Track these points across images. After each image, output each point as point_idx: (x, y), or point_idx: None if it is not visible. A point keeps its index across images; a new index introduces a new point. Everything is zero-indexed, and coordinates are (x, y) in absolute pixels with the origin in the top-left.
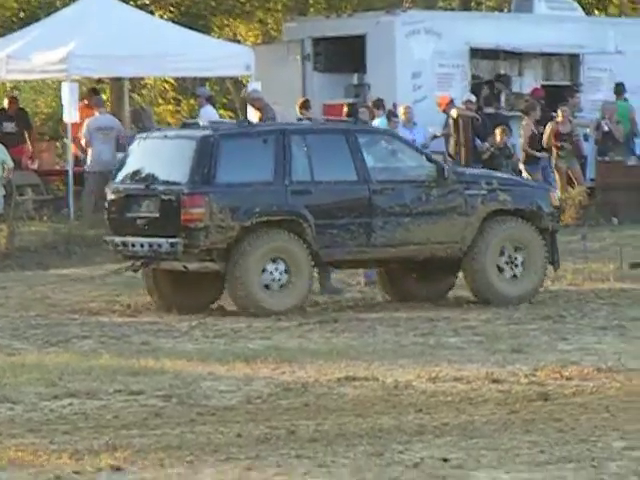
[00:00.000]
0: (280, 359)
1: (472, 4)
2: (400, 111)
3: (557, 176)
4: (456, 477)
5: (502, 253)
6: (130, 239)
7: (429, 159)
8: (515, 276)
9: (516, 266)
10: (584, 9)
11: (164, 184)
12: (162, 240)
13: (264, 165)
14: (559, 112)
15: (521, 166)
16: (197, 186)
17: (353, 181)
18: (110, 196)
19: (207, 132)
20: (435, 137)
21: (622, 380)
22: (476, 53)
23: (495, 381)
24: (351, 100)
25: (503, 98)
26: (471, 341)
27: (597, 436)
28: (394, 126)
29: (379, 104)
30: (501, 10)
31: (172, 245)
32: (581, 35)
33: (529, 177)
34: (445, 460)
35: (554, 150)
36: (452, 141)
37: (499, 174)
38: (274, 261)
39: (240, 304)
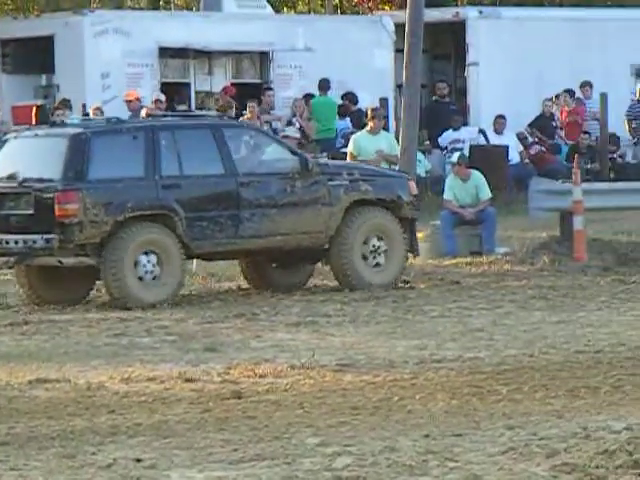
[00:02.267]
0: None
1: (161, 3)
2: (90, 112)
3: None
4: (149, 477)
5: (365, 242)
6: (3, 236)
7: (293, 152)
8: (378, 264)
9: (379, 254)
10: (273, 7)
11: (38, 181)
12: (37, 236)
13: (135, 161)
14: (248, 109)
15: None
16: (70, 182)
17: (220, 174)
18: None
19: (78, 130)
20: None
21: (316, 376)
22: (165, 52)
23: (188, 380)
24: (40, 101)
25: (193, 97)
26: (164, 341)
27: (291, 433)
28: None
29: (66, 104)
30: (190, 9)
31: (47, 241)
32: (270, 33)
33: None
34: (138, 460)
35: None
36: None
37: (362, 165)
38: (146, 254)
39: (115, 297)
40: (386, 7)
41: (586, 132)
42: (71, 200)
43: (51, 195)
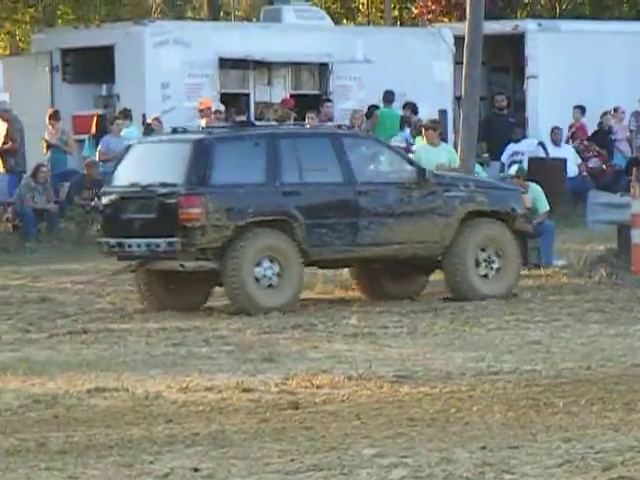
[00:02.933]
0: (30, 371)
1: (221, 14)
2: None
3: None
4: None
5: (480, 253)
6: (126, 240)
7: (410, 162)
8: (491, 276)
9: (492, 266)
10: (333, 18)
11: (161, 186)
12: (160, 240)
13: (256, 167)
14: (307, 120)
15: None
16: (194, 187)
17: (339, 183)
18: (105, 199)
19: (202, 135)
20: None
21: (373, 387)
22: (225, 63)
23: (246, 390)
24: (100, 111)
25: (252, 107)
26: (222, 351)
27: (347, 444)
28: None
29: (127, 114)
30: (250, 20)
31: (170, 244)
32: (330, 44)
33: None
34: (196, 470)
35: None
36: None
37: (477, 178)
38: (266, 259)
39: (235, 300)
40: (445, 19)
41: None
42: (194, 204)
43: (175, 199)
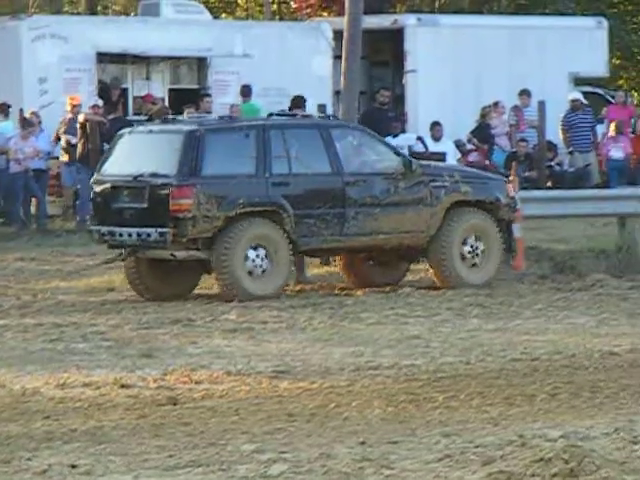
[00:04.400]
0: None
1: (98, 8)
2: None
3: None
4: None
5: (464, 242)
6: (117, 229)
7: (396, 153)
8: (476, 264)
9: (477, 255)
10: (211, 13)
11: (152, 176)
12: (151, 229)
13: (246, 158)
14: (186, 114)
15: None
16: (185, 178)
17: (327, 173)
18: (95, 187)
19: (193, 127)
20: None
21: (251, 383)
22: (103, 57)
23: (124, 386)
24: None
25: (131, 102)
26: (100, 346)
27: (226, 439)
28: (28, 135)
29: (4, 109)
30: (128, 14)
31: (161, 234)
32: (208, 38)
33: None
34: (73, 466)
35: None
36: (80, 145)
37: (461, 167)
38: (256, 249)
39: (226, 289)
40: (324, 13)
41: (524, 140)
42: (186, 195)
43: (166, 190)
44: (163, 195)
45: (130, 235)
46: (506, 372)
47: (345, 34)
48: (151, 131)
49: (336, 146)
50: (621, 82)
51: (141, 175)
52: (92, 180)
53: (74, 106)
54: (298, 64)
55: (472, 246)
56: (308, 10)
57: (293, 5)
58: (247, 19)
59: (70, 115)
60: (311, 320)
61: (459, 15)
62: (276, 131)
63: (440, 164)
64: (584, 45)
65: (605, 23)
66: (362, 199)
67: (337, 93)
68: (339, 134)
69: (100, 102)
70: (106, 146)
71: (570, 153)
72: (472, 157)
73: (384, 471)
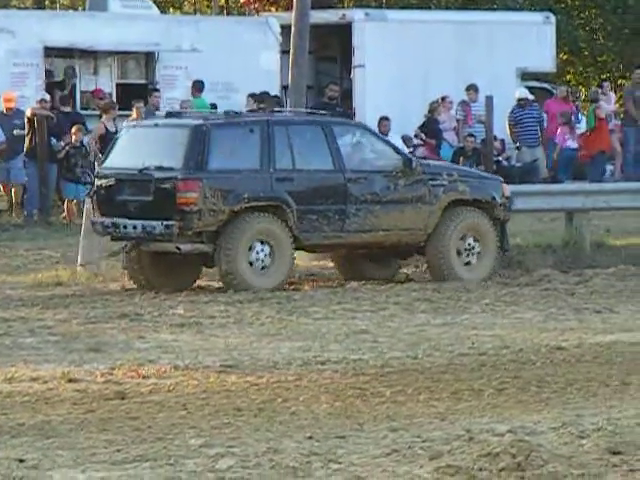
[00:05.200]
0: None
1: (46, 3)
2: None
3: None
4: (32, 478)
5: (461, 240)
6: (121, 221)
7: (397, 151)
8: (471, 262)
9: (472, 253)
10: (159, 7)
11: (158, 169)
12: (156, 222)
13: (251, 153)
14: (135, 109)
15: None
16: (191, 172)
17: (330, 170)
18: (99, 180)
19: (200, 121)
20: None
21: (199, 377)
22: (51, 52)
23: (72, 380)
24: None
25: (79, 97)
26: (47, 341)
27: (174, 434)
28: None
29: None
30: (76, 9)
31: (167, 227)
32: (156, 33)
33: None
34: (21, 461)
35: None
36: (27, 140)
37: (460, 167)
38: (260, 243)
39: (229, 282)
40: (272, 8)
41: (471, 135)
42: (192, 189)
43: (172, 183)
44: (169, 188)
45: (135, 227)
46: (454, 367)
47: (293, 29)
48: (157, 125)
49: (338, 143)
50: (569, 77)
51: (147, 168)
52: (95, 173)
53: (8, 109)
54: (246, 59)
55: (469, 244)
56: (256, 5)
57: (241, 0)
58: (195, 14)
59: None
60: (259, 315)
61: (407, 10)
62: (280, 127)
63: (439, 163)
64: (532, 40)
65: (553, 18)
66: (363, 196)
67: (285, 88)
68: (341, 131)
69: (47, 97)
70: (54, 140)
71: (517, 148)
72: (420, 152)
73: (331, 465)
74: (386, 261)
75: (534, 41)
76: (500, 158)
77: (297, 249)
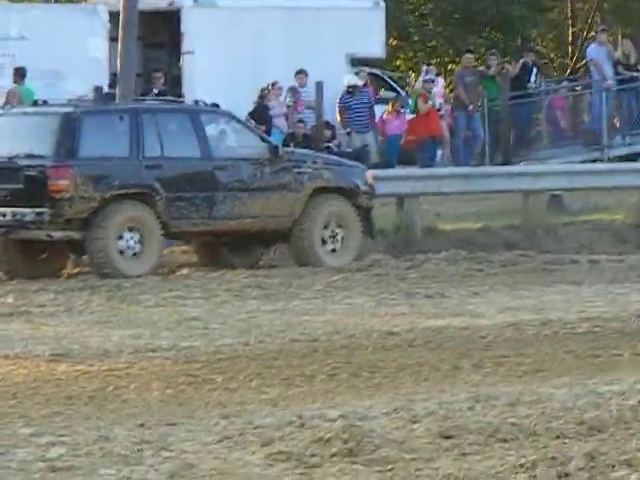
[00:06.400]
0: None
1: None
2: None
3: None
4: None
5: (325, 227)
6: None
7: (263, 139)
8: (336, 249)
9: (337, 240)
10: None
11: (28, 157)
12: (27, 210)
13: (121, 141)
14: None
15: None
16: (62, 159)
17: (198, 158)
18: None
19: (69, 109)
20: None
21: (29, 366)
22: None
23: None
24: None
25: None
26: None
27: (4, 423)
28: None
29: None
30: None
31: (38, 214)
32: None
33: None
34: None
35: None
36: None
37: (324, 155)
38: (129, 230)
39: (99, 269)
40: None
41: (301, 121)
42: (63, 176)
43: (43, 171)
44: (40, 176)
45: (4, 215)
46: (285, 353)
47: (121, 16)
48: (25, 113)
49: (206, 131)
50: (398, 62)
51: (16, 156)
52: None
53: None
54: (74, 46)
55: (332, 231)
56: None
57: None
58: (23, 1)
59: None
60: (89, 303)
61: None
62: (149, 115)
63: (304, 151)
64: (361, 26)
65: (382, 4)
66: (230, 184)
67: (114, 75)
68: (209, 119)
69: None
70: None
71: (348, 134)
72: None
73: (163, 453)
74: (248, 249)
75: (363, 27)
76: (331, 144)
77: (165, 236)
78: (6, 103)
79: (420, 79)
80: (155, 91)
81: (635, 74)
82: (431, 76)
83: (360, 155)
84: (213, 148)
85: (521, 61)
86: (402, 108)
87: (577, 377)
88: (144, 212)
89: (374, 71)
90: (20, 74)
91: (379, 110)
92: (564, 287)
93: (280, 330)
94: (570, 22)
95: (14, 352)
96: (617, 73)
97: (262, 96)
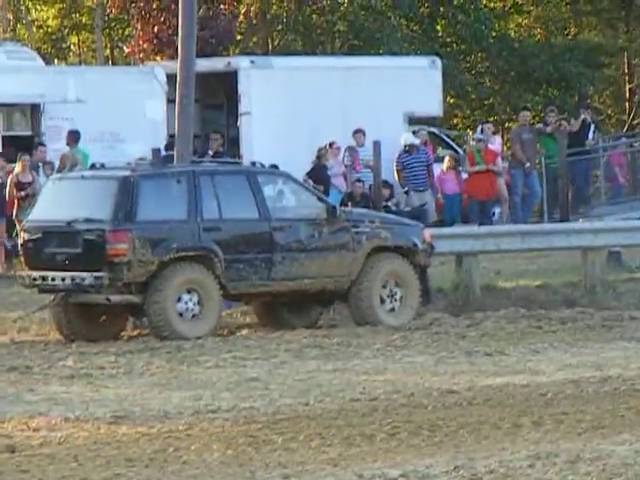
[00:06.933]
0: None
1: None
2: None
3: (18, 226)
4: None
5: (384, 286)
6: (50, 273)
7: (320, 199)
8: (395, 308)
9: (395, 299)
10: (44, 59)
11: (86, 221)
12: (86, 274)
13: (179, 203)
14: (20, 162)
15: None
16: (121, 223)
17: (255, 219)
18: (25, 233)
19: (127, 173)
20: None
21: (90, 429)
22: None
23: None
24: None
25: None
26: None
27: None
28: None
29: None
30: None
31: (97, 278)
32: (41, 84)
33: None
34: None
35: (15, 202)
36: None
37: (382, 214)
38: (188, 292)
39: (158, 332)
40: (157, 57)
41: (360, 180)
42: (122, 240)
43: (101, 235)
44: (98, 240)
45: (63, 279)
46: (345, 412)
47: (178, 77)
48: (83, 177)
49: (263, 192)
50: (456, 121)
51: (75, 220)
52: (21, 226)
53: None
54: (132, 108)
55: (391, 290)
56: (141, 54)
57: (126, 50)
58: (80, 64)
59: None
60: (149, 365)
61: (292, 57)
62: (206, 177)
63: (362, 210)
64: (418, 85)
65: (439, 62)
66: (288, 244)
67: (171, 137)
68: (265, 180)
69: None
70: None
71: (406, 193)
72: None
73: None
74: (307, 309)
75: (421, 85)
76: (389, 203)
77: (224, 297)
78: (60, 167)
79: (474, 137)
80: (210, 153)
81: None
82: (483, 136)
83: (418, 213)
84: (271, 209)
85: (580, 118)
86: (459, 166)
87: (637, 434)
88: (203, 274)
89: (432, 129)
90: (73, 138)
91: (437, 169)
92: (624, 344)
93: (340, 389)
94: (627, 78)
95: (75, 415)
96: None
97: (320, 156)
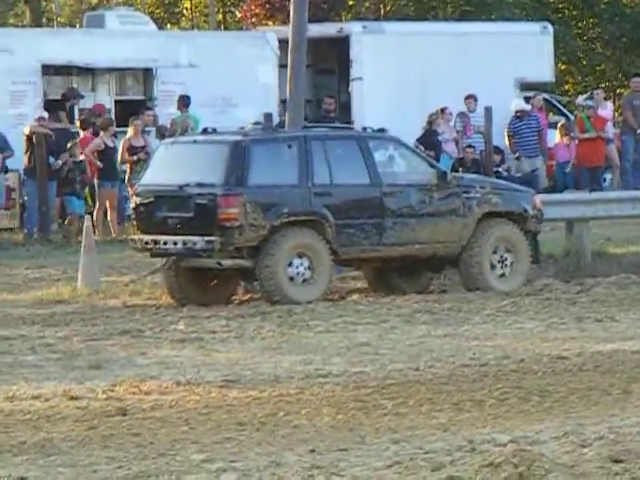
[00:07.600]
0: None
1: (43, 21)
2: None
3: (131, 190)
4: None
5: (494, 252)
6: (162, 237)
7: (431, 165)
8: (505, 274)
9: (506, 265)
10: (157, 23)
11: (198, 186)
12: (197, 238)
13: (289, 168)
14: (133, 126)
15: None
16: (232, 187)
17: (366, 184)
18: (138, 197)
19: (239, 137)
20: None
21: (201, 393)
22: (48, 70)
23: (73, 398)
24: None
25: (77, 114)
26: (49, 359)
27: (176, 449)
28: None
29: None
30: (73, 26)
31: (208, 242)
32: (154, 49)
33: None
34: (22, 479)
35: (128, 165)
36: (26, 158)
37: (493, 179)
38: (299, 257)
39: (269, 296)
40: (269, 22)
41: (471, 146)
42: (233, 205)
43: (213, 199)
44: (210, 204)
45: (175, 244)
46: (455, 378)
47: (290, 43)
48: (195, 141)
49: (374, 157)
50: (567, 87)
51: (187, 185)
52: (134, 190)
53: None
54: (244, 73)
55: (502, 256)
56: (253, 19)
57: (238, 14)
58: (192, 29)
59: None
60: (260, 329)
61: (404, 22)
62: (317, 142)
63: (472, 176)
64: (530, 50)
65: (550, 28)
66: (399, 210)
67: (283, 102)
68: (376, 145)
69: (46, 114)
70: (52, 159)
71: (517, 159)
72: None
73: (334, 478)
74: (418, 275)
75: (532, 51)
76: (500, 169)
77: (335, 262)
78: (171, 132)
79: (577, 102)
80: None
81: None
82: (592, 102)
83: (529, 180)
84: (382, 174)
85: None
86: (571, 133)
87: None
88: (313, 239)
89: (544, 95)
90: (184, 103)
91: (551, 134)
92: None
93: (450, 355)
94: None
95: (186, 378)
96: None
97: (431, 121)
